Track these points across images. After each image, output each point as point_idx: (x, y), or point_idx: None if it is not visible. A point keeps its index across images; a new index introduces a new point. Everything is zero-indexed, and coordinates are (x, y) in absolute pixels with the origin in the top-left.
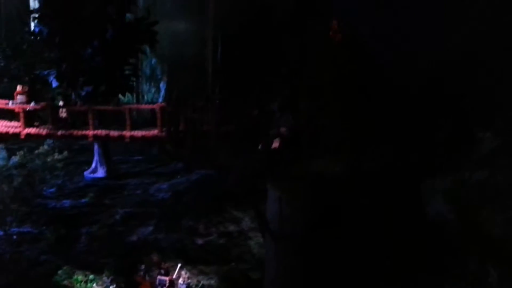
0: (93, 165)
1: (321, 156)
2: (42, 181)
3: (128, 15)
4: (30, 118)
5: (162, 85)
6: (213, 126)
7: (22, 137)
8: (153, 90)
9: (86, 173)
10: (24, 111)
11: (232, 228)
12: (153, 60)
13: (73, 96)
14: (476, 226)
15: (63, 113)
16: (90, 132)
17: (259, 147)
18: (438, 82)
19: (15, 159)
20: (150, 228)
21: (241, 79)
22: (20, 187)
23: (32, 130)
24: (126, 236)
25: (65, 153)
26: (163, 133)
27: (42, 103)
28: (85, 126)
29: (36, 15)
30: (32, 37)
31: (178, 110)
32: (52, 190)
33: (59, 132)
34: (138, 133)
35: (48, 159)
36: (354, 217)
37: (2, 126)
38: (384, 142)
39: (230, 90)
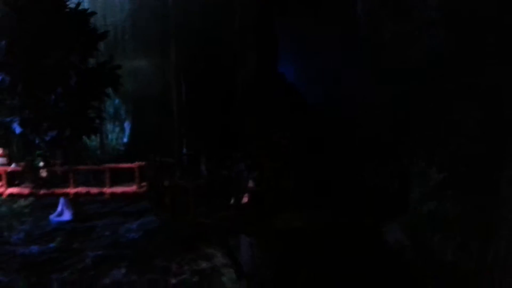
0: (59, 208)
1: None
2: (10, 228)
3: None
4: (11, 179)
5: (127, 125)
6: (187, 183)
7: (4, 196)
8: (117, 129)
9: (51, 216)
10: (6, 172)
11: (204, 265)
12: (116, 101)
13: (37, 141)
14: (430, 252)
15: (43, 173)
16: (71, 190)
17: (232, 202)
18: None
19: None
20: (123, 271)
21: (205, 125)
22: None
23: (14, 190)
24: (98, 280)
25: (31, 198)
26: (141, 189)
27: (22, 164)
28: (65, 183)
29: None
30: None
31: (156, 169)
32: (19, 236)
33: (41, 191)
34: (117, 189)
35: (15, 206)
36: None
37: None
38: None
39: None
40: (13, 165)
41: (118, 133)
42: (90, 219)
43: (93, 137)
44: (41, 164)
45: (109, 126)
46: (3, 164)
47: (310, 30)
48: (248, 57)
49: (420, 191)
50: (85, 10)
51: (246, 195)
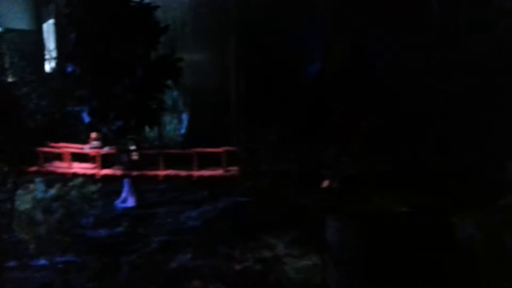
0: (123, 195)
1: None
2: (80, 212)
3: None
4: (104, 161)
5: (185, 116)
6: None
7: (98, 177)
8: (175, 121)
9: (116, 202)
10: (100, 155)
11: (267, 254)
12: (175, 93)
13: (104, 130)
14: (503, 250)
15: (134, 156)
16: (161, 173)
17: (324, 185)
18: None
19: (52, 191)
20: (188, 256)
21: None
22: (61, 218)
23: (108, 172)
24: (165, 263)
25: (99, 184)
26: (228, 173)
27: (114, 147)
28: (154, 167)
29: (68, 56)
30: (65, 76)
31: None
32: (89, 220)
33: (133, 173)
34: (205, 172)
35: (84, 191)
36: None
37: (80, 168)
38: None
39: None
40: (106, 148)
41: (176, 125)
42: (151, 207)
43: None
44: (133, 147)
45: (167, 118)
46: (96, 147)
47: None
48: (333, 46)
49: (497, 185)
50: (148, 4)
51: (339, 178)
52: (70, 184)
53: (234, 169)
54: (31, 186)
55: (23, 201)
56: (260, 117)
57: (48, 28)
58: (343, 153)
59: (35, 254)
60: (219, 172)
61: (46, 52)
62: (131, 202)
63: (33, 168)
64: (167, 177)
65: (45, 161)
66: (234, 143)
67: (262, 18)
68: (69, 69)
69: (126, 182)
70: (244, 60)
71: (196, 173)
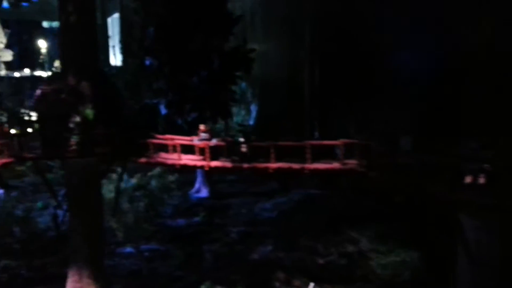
0: (197, 185)
1: None
2: (160, 201)
3: None
4: (213, 153)
5: (253, 108)
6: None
7: (207, 169)
8: (243, 112)
9: (191, 193)
10: (209, 147)
11: (351, 248)
12: (243, 84)
13: (179, 122)
14: None
15: (243, 148)
16: (273, 165)
17: (467, 180)
18: None
19: (133, 181)
20: (269, 247)
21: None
22: (143, 207)
23: (217, 163)
24: (247, 254)
25: (176, 174)
26: (344, 166)
27: (222, 139)
28: (262, 159)
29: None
30: (142, 69)
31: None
32: (168, 209)
33: (243, 165)
34: (320, 166)
35: (163, 181)
36: None
37: (189, 159)
38: None
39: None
40: (214, 140)
41: (244, 116)
42: (224, 197)
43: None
44: (241, 139)
45: (234, 108)
46: (205, 139)
47: None
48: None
49: None
50: None
51: (482, 174)
52: (150, 174)
53: (351, 162)
54: (113, 175)
55: (108, 190)
56: (337, 108)
57: (113, 22)
58: (487, 146)
59: (122, 241)
60: (335, 165)
61: (111, 45)
62: (204, 193)
63: (143, 159)
64: (279, 169)
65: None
66: (307, 134)
67: (339, 5)
68: (147, 62)
69: (199, 173)
70: (319, 49)
71: (310, 166)
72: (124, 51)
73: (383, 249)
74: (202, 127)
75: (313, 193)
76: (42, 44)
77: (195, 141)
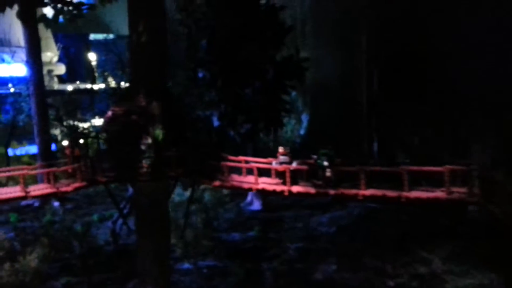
0: (249, 198)
1: None
2: (215, 215)
3: None
4: (293, 177)
5: (304, 117)
6: None
7: (286, 194)
8: (293, 122)
9: (243, 205)
10: (289, 170)
11: (422, 269)
12: (293, 93)
13: (231, 134)
14: None
15: (328, 173)
16: (364, 192)
17: None
18: None
19: (186, 194)
20: (333, 266)
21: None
22: (201, 222)
23: (299, 189)
24: (309, 273)
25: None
26: (452, 196)
27: (302, 162)
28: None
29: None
30: (195, 81)
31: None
32: (223, 224)
33: (328, 191)
34: (421, 194)
35: (216, 194)
36: None
37: (267, 183)
38: None
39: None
40: (294, 163)
41: (294, 125)
42: (277, 210)
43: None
44: (326, 163)
45: (284, 119)
46: (285, 162)
47: None
48: None
49: None
50: (274, 4)
51: None
52: (202, 186)
53: (459, 191)
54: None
55: None
56: (397, 118)
57: None
58: None
59: (179, 257)
60: (439, 194)
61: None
62: (257, 205)
63: (217, 183)
64: (371, 197)
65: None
66: (366, 144)
67: (399, 11)
68: (200, 74)
69: None
70: (377, 56)
71: (408, 194)
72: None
73: (458, 271)
74: (281, 149)
75: (373, 207)
76: (92, 57)
77: (274, 164)
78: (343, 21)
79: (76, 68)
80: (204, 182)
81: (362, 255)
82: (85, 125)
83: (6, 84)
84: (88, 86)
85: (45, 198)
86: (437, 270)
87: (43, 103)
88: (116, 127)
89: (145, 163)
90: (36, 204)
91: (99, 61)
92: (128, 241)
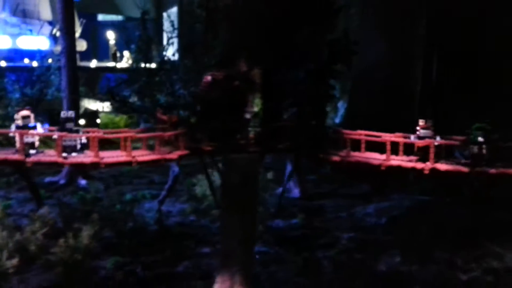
0: (288, 185)
1: None
2: (262, 200)
3: None
4: (436, 153)
5: (341, 105)
6: None
7: (427, 172)
8: (327, 109)
9: (278, 192)
10: (433, 146)
11: (495, 264)
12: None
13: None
14: None
15: (480, 150)
16: None
17: None
18: None
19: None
20: (397, 258)
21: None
22: None
23: (446, 167)
24: (371, 264)
25: (271, 172)
26: None
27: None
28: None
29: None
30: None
31: None
32: (271, 209)
33: (487, 170)
34: None
35: (260, 178)
36: None
37: (402, 160)
38: None
39: None
40: (438, 138)
41: (329, 113)
42: (315, 198)
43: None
44: (481, 139)
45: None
46: (427, 137)
47: None
48: None
49: None
50: None
51: None
52: None
53: None
54: (209, 170)
55: (201, 186)
56: (458, 110)
57: (169, 16)
58: None
59: None
60: None
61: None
62: (296, 193)
63: (336, 158)
64: None
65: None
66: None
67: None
68: None
69: (290, 171)
70: (438, 44)
71: None
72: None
73: None
74: (421, 122)
75: (422, 199)
76: (111, 36)
77: (413, 138)
78: (395, 4)
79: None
80: (319, 158)
81: (427, 248)
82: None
83: (33, 57)
84: (110, 64)
85: (150, 165)
86: (510, 265)
87: (75, 76)
88: (217, 93)
89: (250, 133)
90: (62, 181)
91: (118, 40)
92: (168, 222)
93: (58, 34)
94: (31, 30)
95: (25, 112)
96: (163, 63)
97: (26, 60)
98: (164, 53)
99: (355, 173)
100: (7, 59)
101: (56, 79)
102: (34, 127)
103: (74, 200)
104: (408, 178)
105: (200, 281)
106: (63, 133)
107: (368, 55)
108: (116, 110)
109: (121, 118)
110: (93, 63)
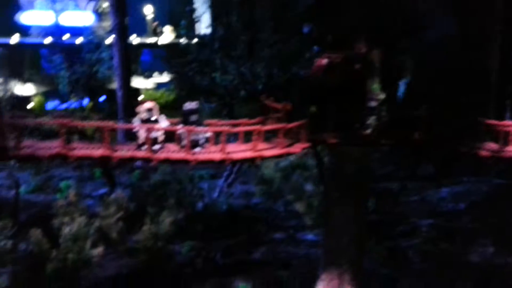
0: None
1: None
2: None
3: None
4: None
5: (402, 82)
6: None
7: None
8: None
9: None
10: None
11: None
12: None
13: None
14: None
15: None
16: None
17: None
18: None
19: (292, 159)
20: (490, 249)
21: None
22: (301, 188)
23: None
24: (460, 254)
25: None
26: None
27: None
28: None
29: None
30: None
31: None
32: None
33: None
34: None
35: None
36: None
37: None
38: None
39: None
40: None
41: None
42: (380, 181)
43: None
44: None
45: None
46: None
47: None
48: None
49: None
50: None
51: None
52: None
53: None
54: None
55: (266, 167)
56: None
57: None
58: None
59: (305, 226)
60: None
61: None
62: None
63: (485, 152)
64: None
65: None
66: (491, 117)
67: None
68: (305, 29)
69: None
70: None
71: None
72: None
73: None
74: None
75: (500, 183)
76: (148, 10)
77: None
78: None
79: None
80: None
81: None
82: (150, 81)
83: (80, 34)
84: (150, 40)
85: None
86: None
87: (127, 53)
88: (334, 78)
89: (373, 123)
90: None
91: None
92: (236, 204)
93: (103, 10)
94: (77, 5)
95: (149, 105)
96: (214, 38)
97: (69, 37)
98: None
99: (418, 153)
100: (51, 35)
101: (107, 56)
102: (156, 121)
103: (132, 179)
104: (482, 161)
105: (282, 270)
106: (191, 127)
107: (436, 29)
108: (178, 88)
109: (162, 94)
110: (134, 39)
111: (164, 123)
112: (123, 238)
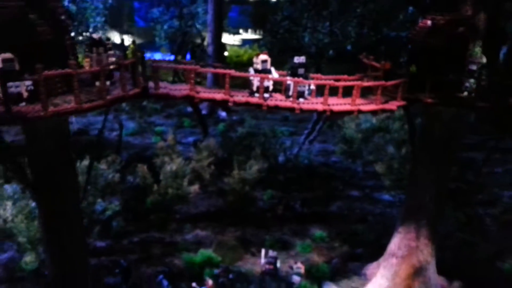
0: None
1: None
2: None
3: None
4: None
5: (502, 49)
6: None
7: None
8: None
9: None
10: None
11: None
12: None
13: None
14: None
15: None
16: None
17: None
18: None
19: (374, 122)
20: None
21: None
22: (382, 150)
23: None
24: None
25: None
26: None
27: None
28: None
29: None
30: None
31: None
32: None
33: None
34: None
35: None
36: None
37: None
38: None
39: None
40: None
41: None
42: (463, 149)
43: None
44: None
45: None
46: None
47: None
48: None
49: None
50: None
51: None
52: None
53: None
54: None
55: (347, 128)
56: None
57: None
58: None
59: (383, 187)
60: None
61: None
62: None
63: None
64: None
65: None
66: None
67: None
68: None
69: None
70: None
71: None
72: None
73: None
74: None
75: None
76: None
77: None
78: None
79: None
80: None
81: None
82: (236, 37)
83: None
84: None
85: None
86: None
87: (220, 9)
88: (438, 40)
89: (473, 86)
90: (204, 112)
91: None
92: (315, 160)
93: None
94: None
95: (264, 57)
96: None
97: None
98: None
99: (502, 125)
100: None
101: (202, 12)
102: (269, 71)
103: (218, 129)
104: None
105: (358, 224)
106: (299, 79)
107: None
108: (267, 45)
109: (245, 51)
110: None
111: (275, 74)
112: (214, 180)
